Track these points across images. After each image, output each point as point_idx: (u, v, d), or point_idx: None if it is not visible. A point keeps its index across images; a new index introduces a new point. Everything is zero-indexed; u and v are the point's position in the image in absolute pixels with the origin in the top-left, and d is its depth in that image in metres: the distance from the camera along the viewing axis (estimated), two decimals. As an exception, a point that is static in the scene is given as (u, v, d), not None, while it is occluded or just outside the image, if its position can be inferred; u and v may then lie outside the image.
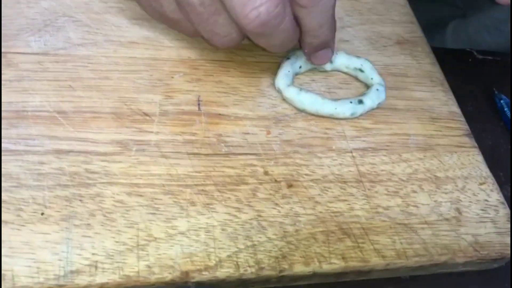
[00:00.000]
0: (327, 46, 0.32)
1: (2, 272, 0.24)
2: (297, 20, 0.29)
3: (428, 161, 0.33)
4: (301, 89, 0.33)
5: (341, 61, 0.35)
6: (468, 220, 0.30)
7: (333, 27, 0.31)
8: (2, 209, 0.25)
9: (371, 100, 0.33)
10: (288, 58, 0.34)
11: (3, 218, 0.25)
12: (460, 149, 0.34)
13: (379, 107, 0.34)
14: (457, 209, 0.31)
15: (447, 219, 0.30)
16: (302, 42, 0.31)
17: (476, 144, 0.34)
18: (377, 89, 0.34)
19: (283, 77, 0.33)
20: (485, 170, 0.33)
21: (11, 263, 0.24)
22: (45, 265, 0.24)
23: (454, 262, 0.29)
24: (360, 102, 0.33)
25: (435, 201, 0.31)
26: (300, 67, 0.34)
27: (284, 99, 0.33)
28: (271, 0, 0.26)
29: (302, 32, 0.30)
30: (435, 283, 0.30)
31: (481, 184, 0.32)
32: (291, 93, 0.33)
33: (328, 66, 0.35)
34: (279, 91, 0.33)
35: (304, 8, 0.28)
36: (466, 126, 0.35)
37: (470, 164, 0.33)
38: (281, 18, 0.27)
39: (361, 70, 0.35)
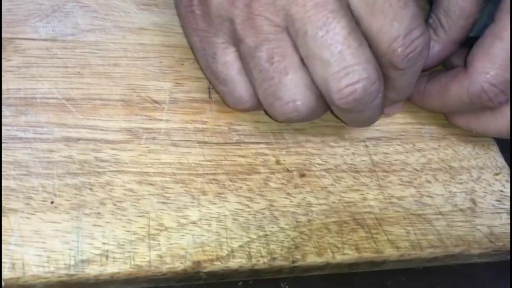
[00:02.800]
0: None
1: (13, 261, 0.23)
2: (386, 80, 0.27)
3: (442, 151, 0.32)
4: None
5: None
6: (483, 211, 0.30)
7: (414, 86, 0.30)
8: (12, 197, 0.25)
9: None
10: None
11: (12, 206, 0.25)
12: (475, 139, 0.33)
13: None
14: (472, 200, 0.30)
15: (461, 210, 0.30)
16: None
17: (491, 134, 0.34)
18: None
19: None
20: (500, 161, 0.32)
21: (21, 252, 0.24)
22: (55, 254, 0.24)
23: (469, 253, 0.29)
24: None
25: (449, 191, 0.30)
26: None
27: None
28: (370, 77, 0.25)
29: (387, 88, 0.28)
30: (449, 274, 0.30)
31: (496, 174, 0.32)
32: None
33: None
34: None
35: (399, 71, 0.26)
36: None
37: (485, 154, 0.33)
38: (376, 95, 0.26)
39: None
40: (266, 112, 0.30)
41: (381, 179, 0.30)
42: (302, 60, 0.26)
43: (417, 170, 0.31)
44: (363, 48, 0.25)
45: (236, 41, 0.27)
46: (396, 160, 0.31)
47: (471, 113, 0.31)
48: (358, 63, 0.25)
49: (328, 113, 0.32)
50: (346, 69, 0.25)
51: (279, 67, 0.26)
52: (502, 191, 0.31)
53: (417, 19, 0.26)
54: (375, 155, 0.31)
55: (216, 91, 0.30)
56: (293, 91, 0.26)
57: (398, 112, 0.33)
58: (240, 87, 0.28)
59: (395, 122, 0.33)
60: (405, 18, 0.25)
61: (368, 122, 0.30)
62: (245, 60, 0.27)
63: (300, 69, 0.26)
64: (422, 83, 0.32)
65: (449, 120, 0.33)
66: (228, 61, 0.28)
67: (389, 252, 0.27)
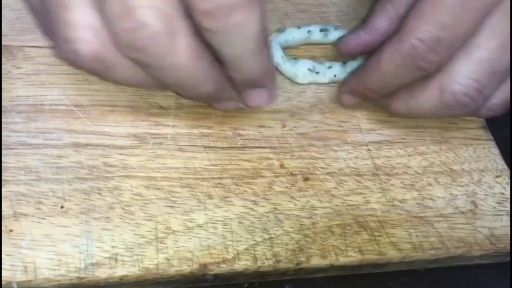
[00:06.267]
0: (259, 85, 0.27)
1: (25, 264, 0.24)
2: (215, 54, 0.24)
3: (443, 154, 0.33)
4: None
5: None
6: (484, 213, 0.30)
7: (263, 63, 0.25)
8: (23, 202, 0.26)
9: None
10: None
11: (24, 211, 0.25)
12: (475, 141, 0.34)
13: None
14: (473, 202, 0.31)
15: (463, 212, 0.30)
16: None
17: (491, 137, 0.34)
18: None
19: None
20: (501, 163, 0.33)
21: (33, 255, 0.24)
22: (66, 257, 0.25)
23: (470, 255, 0.29)
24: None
25: (451, 194, 0.31)
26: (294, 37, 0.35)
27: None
28: (154, 25, 0.21)
29: (225, 69, 0.25)
30: (451, 276, 0.30)
31: (497, 177, 0.32)
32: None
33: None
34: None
35: (212, 34, 0.22)
36: (482, 119, 0.35)
37: (486, 157, 0.33)
38: (162, 41, 0.22)
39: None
40: None
41: (384, 182, 0.30)
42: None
43: (418, 173, 0.31)
44: None
45: None
46: (398, 163, 0.31)
47: (407, 92, 0.30)
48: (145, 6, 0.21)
49: (331, 118, 0.33)
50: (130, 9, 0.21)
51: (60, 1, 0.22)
52: (503, 193, 0.32)
53: None
54: (378, 158, 0.31)
55: None
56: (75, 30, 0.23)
57: (262, 103, 0.28)
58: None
59: (397, 126, 0.33)
60: None
61: (188, 90, 0.25)
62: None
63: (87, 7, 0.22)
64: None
65: (390, 109, 0.31)
66: None
67: (392, 254, 0.28)
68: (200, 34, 0.23)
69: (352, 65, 0.34)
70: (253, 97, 0.28)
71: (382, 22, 0.30)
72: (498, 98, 0.29)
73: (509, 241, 0.30)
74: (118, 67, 0.24)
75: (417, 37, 0.27)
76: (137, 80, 0.25)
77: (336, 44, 0.34)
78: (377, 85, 0.30)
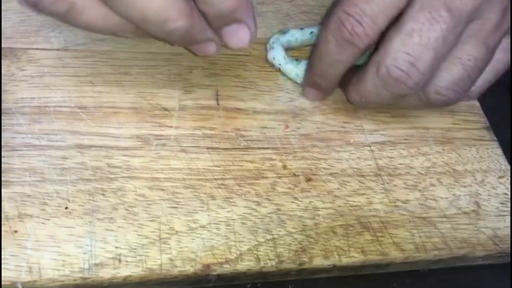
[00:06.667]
0: (235, 20, 0.26)
1: (29, 264, 0.24)
2: None
3: (446, 155, 0.33)
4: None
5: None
6: (487, 214, 0.30)
7: None
8: (28, 203, 0.26)
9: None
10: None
11: (28, 211, 0.26)
12: (478, 142, 0.34)
13: None
14: (476, 203, 0.31)
15: (466, 213, 0.30)
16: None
17: (495, 137, 0.34)
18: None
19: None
20: (504, 164, 0.33)
21: (37, 256, 0.24)
22: (70, 258, 0.25)
23: (473, 255, 0.29)
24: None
25: (453, 194, 0.31)
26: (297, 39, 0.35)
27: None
28: None
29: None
30: (454, 276, 0.30)
31: (500, 177, 0.32)
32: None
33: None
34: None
35: None
36: (485, 119, 0.35)
37: (489, 157, 0.33)
38: None
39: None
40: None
41: (386, 183, 0.30)
42: None
43: (421, 173, 0.31)
44: None
45: None
46: (401, 164, 0.32)
47: (358, 77, 0.30)
48: None
49: (333, 119, 0.33)
50: None
51: None
52: (506, 194, 0.32)
53: None
54: (380, 159, 0.31)
55: None
56: None
57: (241, 43, 0.28)
58: None
59: (400, 127, 0.33)
60: None
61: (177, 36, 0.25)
62: None
63: None
64: None
65: (349, 97, 0.31)
66: None
67: (395, 255, 0.28)
68: None
69: (310, 29, 0.34)
70: (230, 34, 0.27)
71: None
72: (446, 81, 0.28)
73: (512, 241, 0.30)
74: (87, 11, 0.24)
75: (341, 8, 0.27)
76: (106, 23, 0.24)
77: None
78: (320, 69, 0.30)
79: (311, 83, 0.32)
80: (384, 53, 0.27)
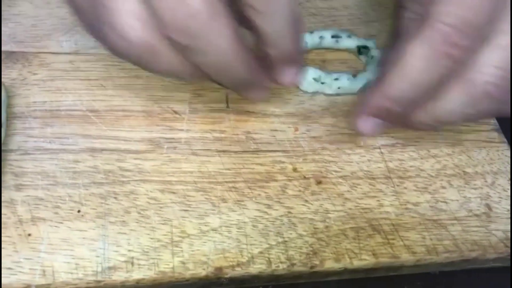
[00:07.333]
0: (294, 61, 0.28)
1: (43, 268, 0.24)
2: (254, 33, 0.25)
3: (456, 157, 0.33)
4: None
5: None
6: (498, 216, 0.30)
7: (297, 37, 0.26)
8: (41, 206, 0.26)
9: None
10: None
11: (41, 215, 0.26)
12: (489, 144, 0.34)
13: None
14: (487, 205, 0.31)
15: (477, 215, 0.30)
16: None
17: (505, 139, 0.34)
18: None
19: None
20: (514, 166, 0.33)
21: (51, 259, 0.25)
22: (83, 261, 0.25)
23: (485, 258, 0.29)
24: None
25: (464, 197, 0.31)
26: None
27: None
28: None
29: (261, 44, 0.26)
30: (465, 278, 0.30)
31: (510, 179, 0.32)
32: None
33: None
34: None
35: (254, 10, 0.24)
36: (495, 121, 0.35)
37: (499, 159, 0.33)
38: (211, 22, 0.23)
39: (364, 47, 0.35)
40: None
41: (397, 185, 0.30)
42: None
43: (432, 176, 0.31)
44: None
45: None
46: (411, 166, 0.31)
47: (430, 98, 0.26)
48: None
49: (343, 121, 0.33)
50: None
51: None
52: (516, 196, 0.31)
53: None
54: (391, 161, 0.31)
55: None
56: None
57: (291, 82, 0.29)
58: None
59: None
60: None
61: (222, 73, 0.26)
62: None
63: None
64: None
65: (415, 123, 0.28)
66: None
67: (406, 257, 0.28)
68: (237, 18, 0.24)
69: (362, 79, 0.33)
70: (286, 73, 0.28)
71: None
72: None
73: (524, 244, 0.29)
74: (163, 56, 0.25)
75: (446, 22, 0.24)
76: (180, 68, 0.25)
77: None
78: (402, 91, 0.26)
79: (378, 110, 0.28)
80: (475, 69, 0.25)
